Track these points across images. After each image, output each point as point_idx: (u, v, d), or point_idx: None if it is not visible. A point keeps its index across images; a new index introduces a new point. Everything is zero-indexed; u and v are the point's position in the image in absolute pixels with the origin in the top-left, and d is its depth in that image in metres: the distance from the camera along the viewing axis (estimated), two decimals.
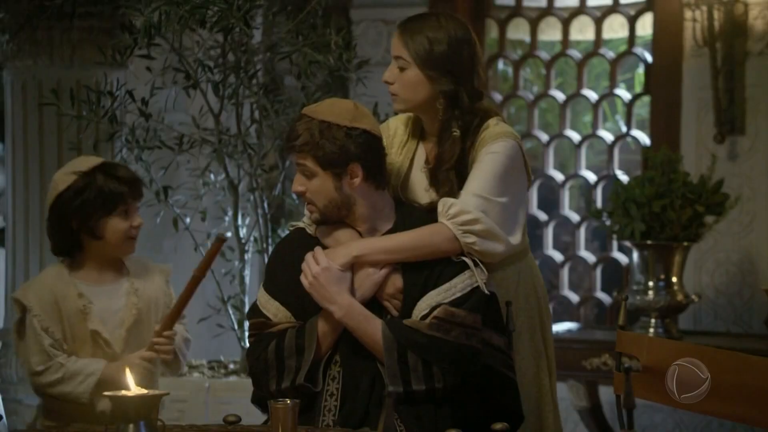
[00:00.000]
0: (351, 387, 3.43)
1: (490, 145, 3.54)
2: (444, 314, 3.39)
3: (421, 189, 3.66)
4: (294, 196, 5.79)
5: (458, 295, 3.42)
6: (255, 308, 3.57)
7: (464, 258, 3.46)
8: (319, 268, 3.40)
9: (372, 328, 3.40)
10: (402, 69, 3.59)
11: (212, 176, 5.39)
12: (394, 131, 3.74)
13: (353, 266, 3.45)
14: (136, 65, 5.18)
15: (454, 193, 3.55)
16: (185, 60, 5.03)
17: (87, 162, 3.68)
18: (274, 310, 3.51)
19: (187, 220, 5.29)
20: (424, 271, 3.45)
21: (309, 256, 3.43)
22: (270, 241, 5.26)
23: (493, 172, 3.53)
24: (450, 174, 3.58)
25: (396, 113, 3.76)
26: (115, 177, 3.64)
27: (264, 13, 5.30)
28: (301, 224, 3.63)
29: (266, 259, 3.78)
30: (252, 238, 5.35)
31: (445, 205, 3.50)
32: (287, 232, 3.70)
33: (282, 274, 3.55)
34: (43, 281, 3.64)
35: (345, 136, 3.44)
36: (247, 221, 5.40)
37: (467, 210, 3.47)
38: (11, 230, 5.44)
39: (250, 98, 5.15)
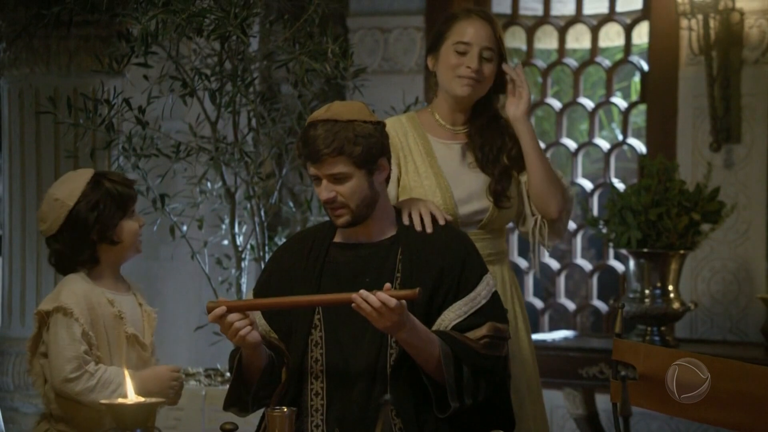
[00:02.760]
0: (337, 384, 3.40)
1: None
2: (494, 332, 3.41)
3: (471, 182, 3.82)
4: (291, 204, 5.80)
5: (483, 302, 3.43)
6: None
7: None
8: (393, 309, 3.21)
9: (431, 344, 3.33)
10: (488, 60, 3.80)
11: (209, 184, 5.39)
12: (397, 132, 3.83)
13: None
14: (133, 73, 5.18)
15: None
16: (182, 68, 5.03)
17: (82, 175, 3.66)
18: (259, 319, 3.50)
19: (184, 228, 5.28)
20: (436, 278, 3.42)
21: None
22: (267, 249, 5.26)
23: None
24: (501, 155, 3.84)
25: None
26: (117, 180, 3.65)
27: (261, 22, 5.30)
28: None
29: (263, 267, 3.75)
30: (249, 246, 5.35)
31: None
32: (284, 240, 3.70)
33: (277, 283, 3.53)
34: (73, 289, 3.57)
35: (374, 131, 3.42)
36: (243, 229, 5.39)
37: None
38: (8, 238, 5.43)
39: (247, 106, 5.15)
